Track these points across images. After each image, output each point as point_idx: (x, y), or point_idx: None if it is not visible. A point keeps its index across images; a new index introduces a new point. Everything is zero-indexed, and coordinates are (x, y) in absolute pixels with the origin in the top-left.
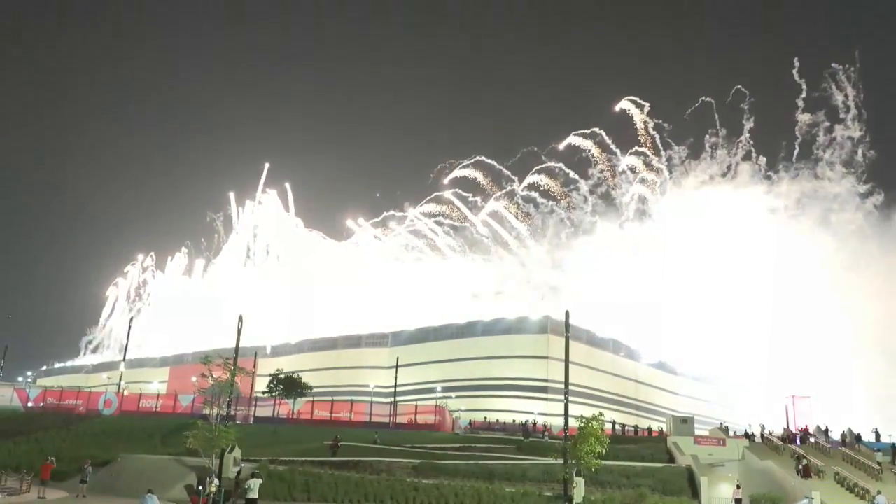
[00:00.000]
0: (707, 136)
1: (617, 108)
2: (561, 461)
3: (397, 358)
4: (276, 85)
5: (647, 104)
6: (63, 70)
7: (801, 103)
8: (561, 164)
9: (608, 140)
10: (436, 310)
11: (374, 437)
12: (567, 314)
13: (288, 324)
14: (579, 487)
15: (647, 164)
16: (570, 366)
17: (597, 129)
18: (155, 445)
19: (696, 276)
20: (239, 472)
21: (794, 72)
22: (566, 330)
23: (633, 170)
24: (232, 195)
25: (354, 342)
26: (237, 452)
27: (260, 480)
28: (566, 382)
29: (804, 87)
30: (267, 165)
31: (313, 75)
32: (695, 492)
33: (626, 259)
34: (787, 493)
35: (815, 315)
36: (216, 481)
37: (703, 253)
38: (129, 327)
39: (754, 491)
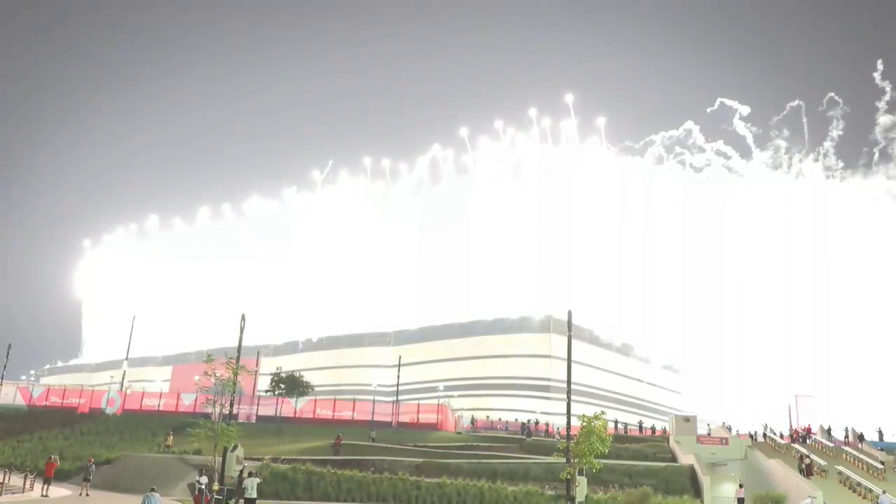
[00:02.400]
0: (781, 141)
1: (709, 109)
2: (563, 460)
3: (399, 356)
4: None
5: (745, 107)
6: (139, 64)
7: (883, 106)
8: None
9: (696, 139)
10: (438, 308)
11: (371, 435)
12: (569, 313)
13: (291, 322)
14: (582, 486)
15: (728, 168)
16: (573, 365)
17: (690, 125)
18: (158, 444)
19: (705, 276)
20: (242, 471)
21: (877, 74)
22: (569, 329)
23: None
24: (294, 188)
25: (357, 340)
26: (240, 451)
27: (258, 480)
28: (569, 381)
29: (888, 89)
30: (331, 162)
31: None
32: (697, 491)
33: (644, 258)
34: (790, 492)
35: (820, 314)
36: (205, 479)
37: (718, 253)
38: (132, 325)
39: (757, 490)
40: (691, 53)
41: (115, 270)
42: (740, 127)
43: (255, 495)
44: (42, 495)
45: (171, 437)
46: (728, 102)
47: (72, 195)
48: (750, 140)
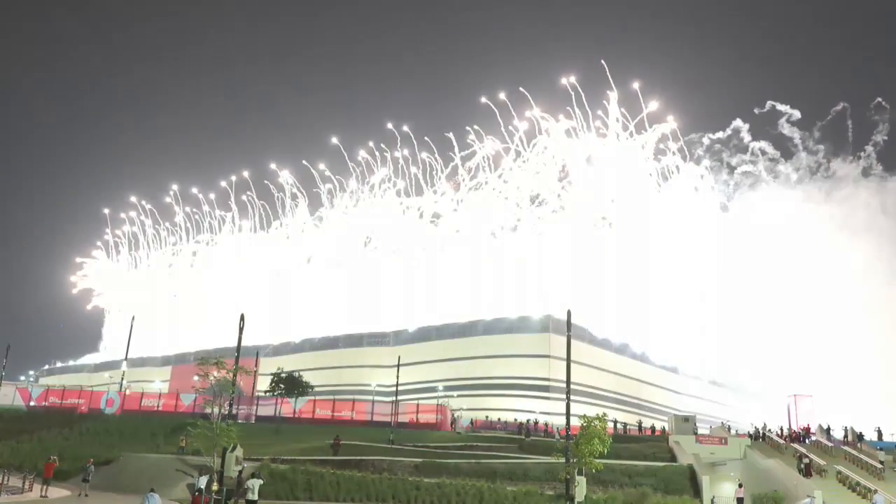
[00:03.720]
0: (819, 145)
1: (758, 111)
2: (563, 460)
3: (399, 357)
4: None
5: (795, 111)
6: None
7: None
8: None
9: (743, 139)
10: (437, 307)
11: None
12: (569, 313)
13: (290, 322)
14: (581, 486)
15: (770, 171)
16: (572, 365)
17: (739, 123)
18: (157, 444)
19: (705, 276)
20: (241, 472)
21: None
22: (568, 329)
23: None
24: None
25: (356, 341)
26: (239, 451)
27: (260, 481)
28: (568, 381)
29: None
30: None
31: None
32: (696, 491)
33: (645, 257)
34: (790, 492)
35: (819, 314)
36: (206, 478)
37: (719, 253)
38: (131, 325)
39: (756, 490)
40: (738, 53)
41: (128, 261)
42: (786, 129)
43: (256, 497)
44: (41, 496)
45: (185, 438)
46: (780, 107)
47: (83, 183)
48: (797, 141)
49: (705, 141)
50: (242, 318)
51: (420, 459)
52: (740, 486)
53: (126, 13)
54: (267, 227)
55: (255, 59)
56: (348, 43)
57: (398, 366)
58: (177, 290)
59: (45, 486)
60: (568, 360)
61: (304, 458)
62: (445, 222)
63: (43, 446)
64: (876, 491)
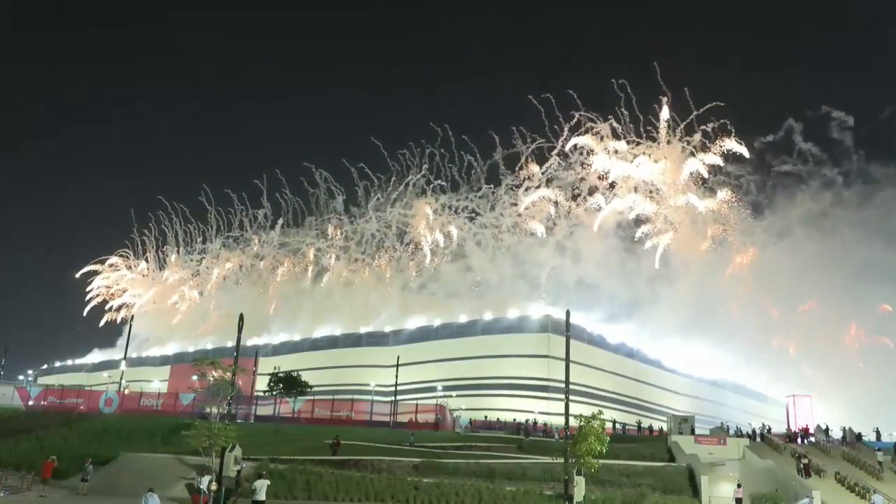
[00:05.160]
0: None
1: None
2: (561, 460)
3: (398, 357)
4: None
5: (849, 117)
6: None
7: None
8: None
9: (795, 140)
10: (436, 307)
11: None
12: (567, 313)
13: (290, 321)
14: (580, 486)
15: (812, 174)
16: (571, 365)
17: (791, 123)
18: (156, 444)
19: (706, 276)
20: (240, 471)
21: None
22: (567, 329)
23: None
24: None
25: (355, 341)
26: (238, 451)
27: (267, 482)
28: (567, 381)
29: None
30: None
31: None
32: (695, 491)
33: (644, 256)
34: (788, 492)
35: (817, 313)
36: (208, 478)
37: (730, 254)
38: (130, 326)
39: (755, 490)
40: (786, 56)
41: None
42: (836, 133)
43: (264, 498)
44: (40, 496)
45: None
46: (835, 114)
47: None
48: (848, 144)
49: (756, 144)
50: (241, 317)
51: (419, 459)
52: (739, 486)
53: (157, 11)
54: (301, 224)
55: (291, 57)
56: (388, 39)
57: (397, 365)
58: (193, 289)
59: (43, 486)
60: (567, 360)
61: (302, 457)
62: (480, 220)
63: (41, 446)
64: (874, 491)
